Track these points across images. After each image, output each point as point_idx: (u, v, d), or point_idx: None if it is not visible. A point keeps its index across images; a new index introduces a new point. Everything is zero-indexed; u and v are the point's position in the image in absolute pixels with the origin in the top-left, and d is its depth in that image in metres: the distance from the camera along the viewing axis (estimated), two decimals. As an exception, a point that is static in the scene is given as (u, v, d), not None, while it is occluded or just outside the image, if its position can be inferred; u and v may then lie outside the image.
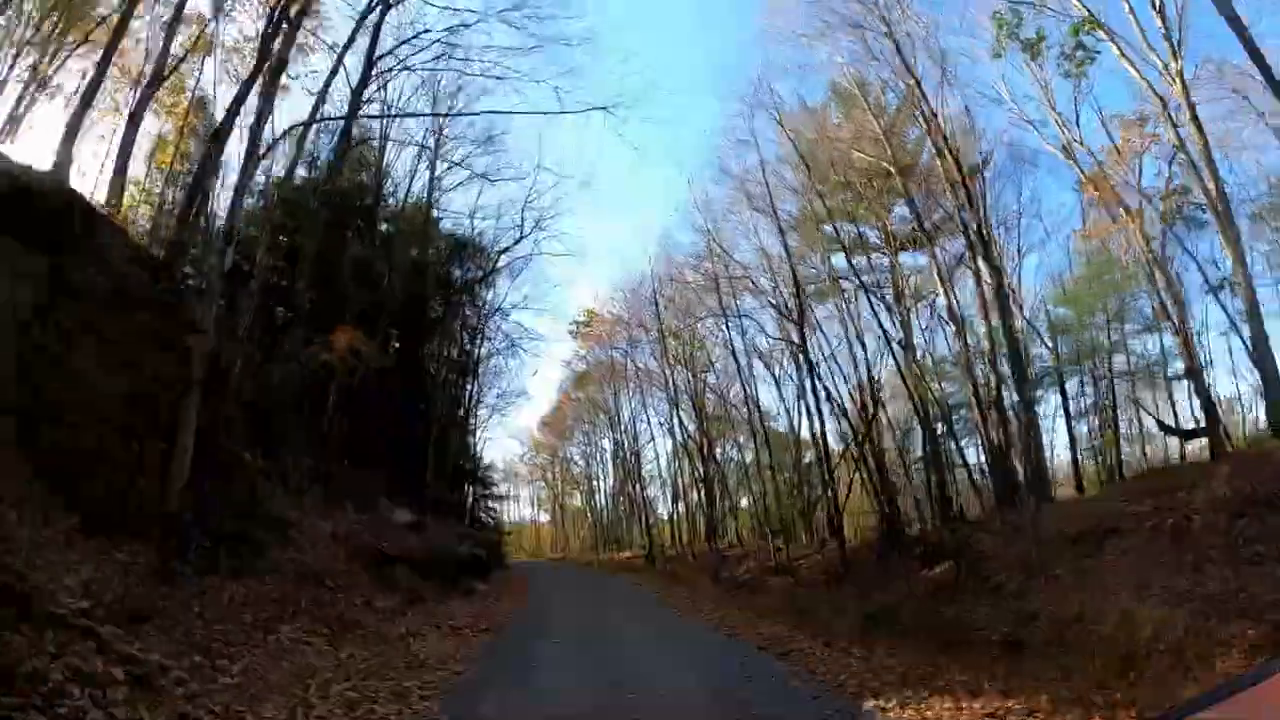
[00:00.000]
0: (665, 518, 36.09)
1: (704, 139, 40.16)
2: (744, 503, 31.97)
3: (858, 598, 10.83)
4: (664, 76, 46.24)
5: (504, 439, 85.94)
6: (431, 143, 21.37)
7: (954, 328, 16.68)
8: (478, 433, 31.29)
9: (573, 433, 42.91)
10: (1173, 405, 21.54)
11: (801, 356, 17.13)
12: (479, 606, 11.94)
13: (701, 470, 28.91)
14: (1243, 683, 1.27)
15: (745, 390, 21.99)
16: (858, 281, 19.95)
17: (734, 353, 21.31)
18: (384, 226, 21.52)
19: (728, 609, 12.14)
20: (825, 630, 7.75)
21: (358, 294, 19.94)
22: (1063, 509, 13.91)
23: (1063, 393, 20.55)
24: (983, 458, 21.82)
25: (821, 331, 21.47)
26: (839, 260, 20.49)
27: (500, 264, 23.76)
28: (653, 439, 34.35)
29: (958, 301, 16.38)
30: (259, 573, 8.12)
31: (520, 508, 60.48)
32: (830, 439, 21.46)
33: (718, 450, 28.32)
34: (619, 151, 51.30)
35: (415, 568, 12.16)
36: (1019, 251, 22.59)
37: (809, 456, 27.46)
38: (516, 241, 23.08)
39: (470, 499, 28.43)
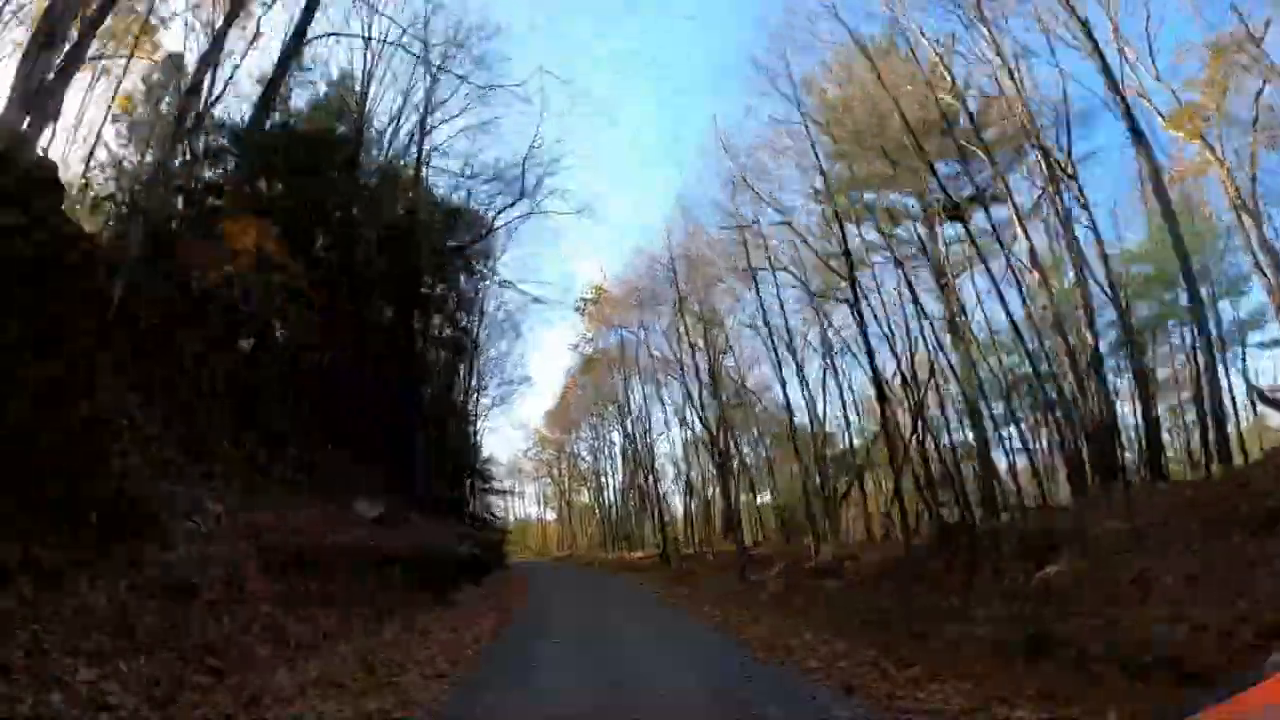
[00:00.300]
0: (679, 514, 32.94)
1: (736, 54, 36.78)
2: (759, 498, 28.96)
3: (987, 619, 7.63)
4: (663, 76, 43.70)
5: (508, 431, 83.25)
6: (421, 89, 18.45)
7: (1037, 276, 13.55)
8: (478, 421, 28.33)
9: (580, 425, 39.81)
10: (1226, 377, 18.61)
11: (851, 309, 14.00)
12: (453, 622, 8.85)
13: (719, 461, 25.87)
14: (1244, 682, 1.23)
15: (776, 354, 18.77)
16: (902, 250, 17.17)
17: (764, 314, 18.13)
18: (370, 180, 18.56)
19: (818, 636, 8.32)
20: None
21: (337, 257, 17.05)
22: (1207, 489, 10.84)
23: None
24: (1040, 439, 18.90)
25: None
26: (870, 233, 17.73)
27: (498, 224, 20.66)
28: (667, 427, 31.22)
29: (1063, 232, 13.18)
30: (94, 579, 5.11)
31: (526, 505, 57.83)
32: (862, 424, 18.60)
33: (742, 445, 25.27)
34: (621, 154, 48.90)
35: (379, 573, 9.12)
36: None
37: (841, 445, 24.48)
38: (516, 200, 20.07)
39: (469, 494, 25.40)
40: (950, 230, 18.16)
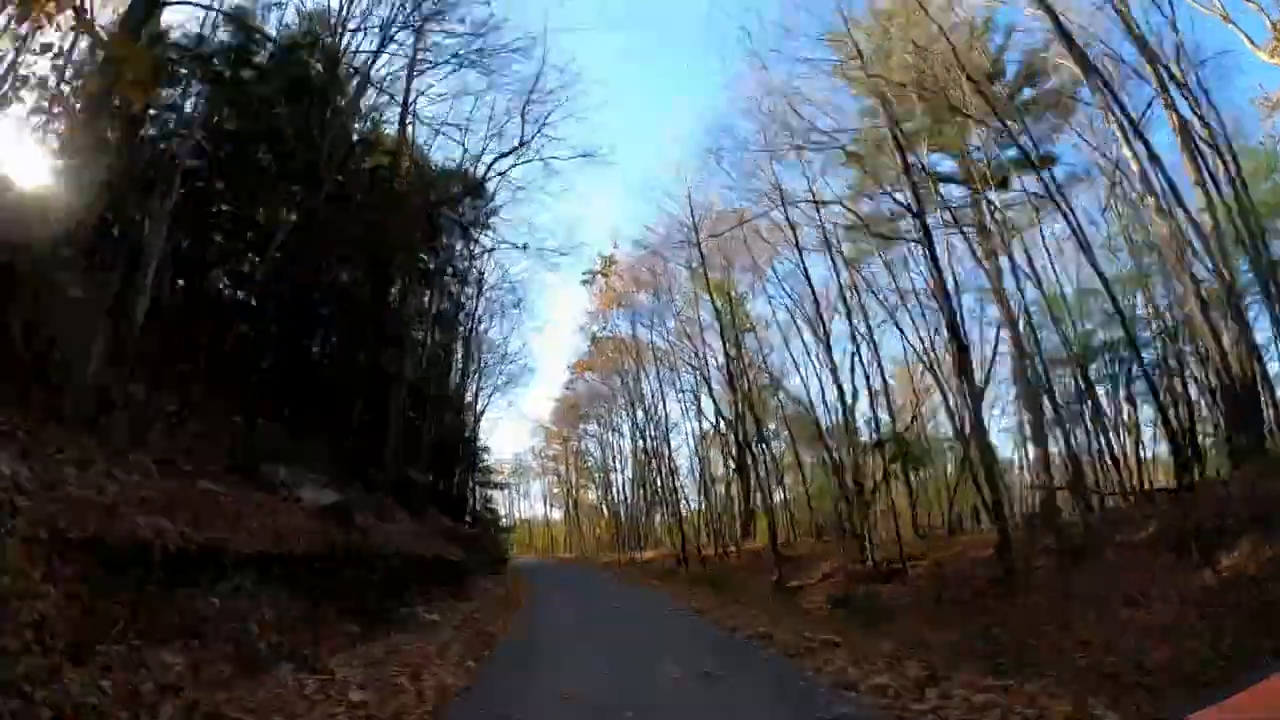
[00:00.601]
0: (696, 511, 29.79)
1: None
2: (785, 493, 25.94)
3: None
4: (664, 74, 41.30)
5: (512, 425, 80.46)
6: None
7: (1151, 202, 10.59)
8: (476, 408, 25.38)
9: (588, 417, 36.78)
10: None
11: (924, 251, 10.99)
12: (401, 665, 5.82)
13: (739, 452, 22.91)
14: (1244, 683, 1.20)
15: (818, 315, 15.79)
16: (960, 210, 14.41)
17: (803, 265, 15.20)
18: (344, 122, 15.74)
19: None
20: None
21: (300, 195, 14.26)
22: None
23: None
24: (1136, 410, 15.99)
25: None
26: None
27: (493, 175, 17.67)
28: (684, 416, 28.24)
29: (1180, 144, 10.27)
30: None
31: (532, 504, 55.21)
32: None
33: (766, 434, 22.29)
34: (622, 151, 46.31)
35: (292, 585, 6.21)
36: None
37: (874, 433, 21.48)
38: (514, 148, 17.13)
39: (460, 488, 22.44)
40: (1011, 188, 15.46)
